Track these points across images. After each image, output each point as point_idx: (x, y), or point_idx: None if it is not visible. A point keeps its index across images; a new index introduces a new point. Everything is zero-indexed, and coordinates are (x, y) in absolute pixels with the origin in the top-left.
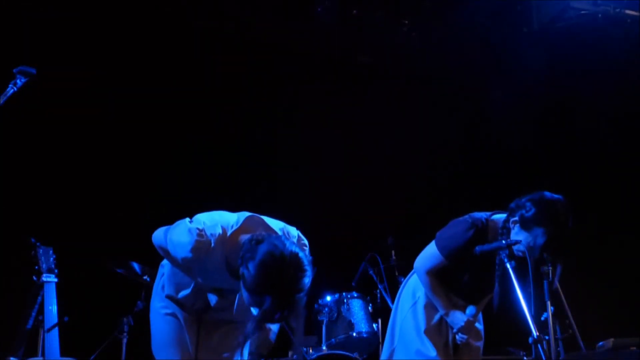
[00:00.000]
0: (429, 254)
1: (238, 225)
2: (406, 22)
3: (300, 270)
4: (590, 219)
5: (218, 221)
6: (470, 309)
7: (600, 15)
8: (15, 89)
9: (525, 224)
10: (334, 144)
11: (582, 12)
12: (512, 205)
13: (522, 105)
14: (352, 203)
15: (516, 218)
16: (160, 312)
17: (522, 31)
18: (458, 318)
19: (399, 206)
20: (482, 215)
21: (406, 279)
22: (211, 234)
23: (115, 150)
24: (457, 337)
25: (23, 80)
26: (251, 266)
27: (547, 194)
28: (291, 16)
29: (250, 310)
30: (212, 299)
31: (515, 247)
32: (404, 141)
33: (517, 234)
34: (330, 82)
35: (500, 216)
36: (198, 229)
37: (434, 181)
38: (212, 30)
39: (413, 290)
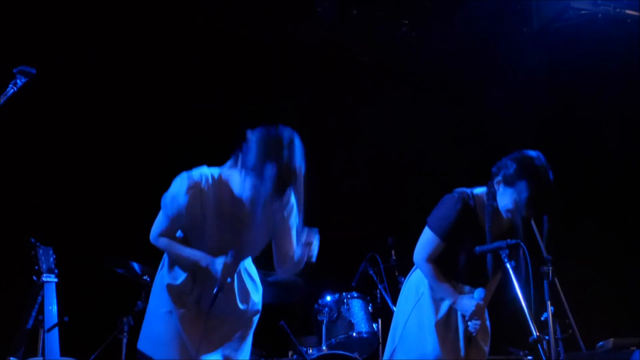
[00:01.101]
0: (425, 240)
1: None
2: (406, 22)
3: (295, 140)
4: (591, 219)
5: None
6: (479, 292)
7: (600, 15)
8: (15, 89)
9: (508, 181)
10: (333, 143)
11: (582, 12)
12: (494, 168)
13: (522, 105)
14: (352, 203)
15: (499, 178)
16: (158, 311)
17: (522, 31)
18: (467, 303)
19: (399, 206)
20: (465, 189)
21: (407, 277)
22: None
23: (115, 150)
24: (469, 325)
25: (23, 80)
26: (251, 144)
27: (525, 150)
28: (291, 16)
29: (249, 296)
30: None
31: (503, 209)
32: (404, 141)
33: (503, 194)
34: (330, 81)
35: (481, 189)
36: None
37: (435, 181)
38: (212, 30)
39: (416, 286)
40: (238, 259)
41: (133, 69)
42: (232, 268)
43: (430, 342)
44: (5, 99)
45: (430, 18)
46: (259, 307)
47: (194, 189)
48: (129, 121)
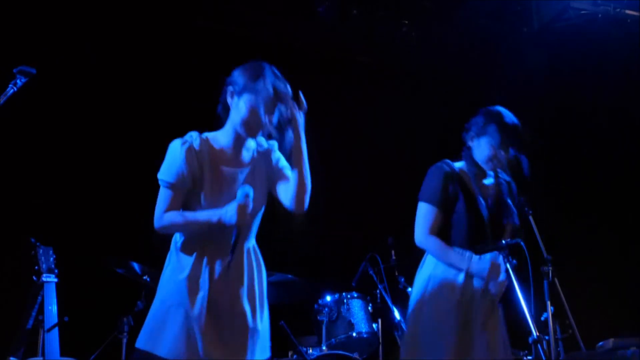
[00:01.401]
0: (421, 215)
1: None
2: (406, 22)
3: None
4: (591, 219)
5: None
6: (492, 255)
7: (600, 15)
8: (15, 89)
9: (480, 132)
10: (333, 143)
11: (582, 12)
12: (464, 133)
13: (522, 105)
14: (352, 203)
15: (472, 133)
16: (164, 307)
17: (522, 31)
18: (481, 265)
19: (399, 206)
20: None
21: (416, 274)
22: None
23: (115, 150)
24: (491, 286)
25: (23, 80)
26: (234, 78)
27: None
28: (292, 16)
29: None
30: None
31: (484, 160)
32: (404, 141)
33: (479, 145)
34: (330, 81)
35: (460, 162)
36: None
37: None
38: (212, 30)
39: (425, 278)
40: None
41: (133, 69)
42: (245, 208)
43: (445, 330)
44: (5, 99)
45: (430, 18)
46: (266, 296)
47: (188, 148)
48: (128, 121)
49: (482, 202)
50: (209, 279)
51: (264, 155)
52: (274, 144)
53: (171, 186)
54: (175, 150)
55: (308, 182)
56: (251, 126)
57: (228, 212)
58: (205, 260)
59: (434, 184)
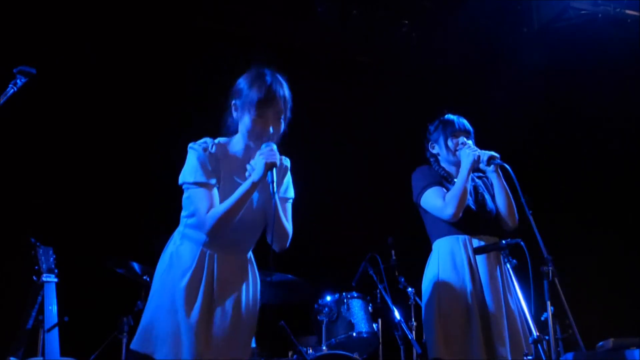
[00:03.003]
0: (431, 201)
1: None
2: (406, 22)
3: (277, 74)
4: (591, 219)
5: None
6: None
7: (600, 15)
8: (15, 89)
9: (435, 136)
10: (333, 143)
11: (582, 12)
12: (425, 147)
13: (522, 105)
14: (352, 203)
15: (430, 142)
16: (161, 308)
17: (522, 31)
18: (467, 152)
19: (399, 206)
20: None
21: (423, 275)
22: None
23: (115, 150)
24: (483, 156)
25: (23, 80)
26: (238, 84)
27: None
28: (292, 16)
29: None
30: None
31: (450, 161)
32: (404, 141)
33: (440, 147)
34: (330, 81)
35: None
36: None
37: None
38: (212, 30)
39: (431, 277)
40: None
41: (133, 69)
42: (272, 154)
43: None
44: (6, 99)
45: (430, 18)
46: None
47: (206, 150)
48: (129, 121)
49: (468, 197)
50: (205, 285)
51: (278, 171)
52: (288, 162)
53: (205, 184)
54: (199, 152)
55: (285, 230)
56: (258, 136)
57: (256, 170)
58: (206, 263)
59: (424, 176)
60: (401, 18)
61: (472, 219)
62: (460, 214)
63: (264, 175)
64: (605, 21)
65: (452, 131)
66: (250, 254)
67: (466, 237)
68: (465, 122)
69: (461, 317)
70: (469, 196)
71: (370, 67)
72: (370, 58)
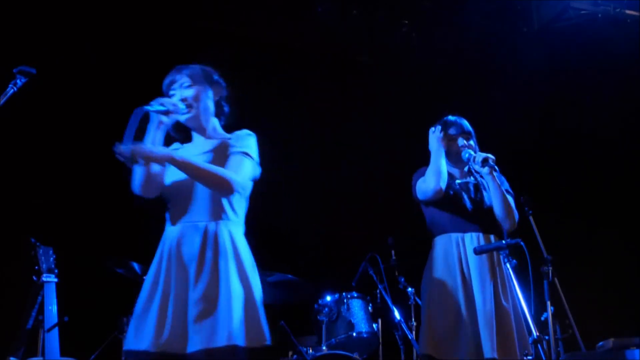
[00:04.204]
0: (420, 190)
1: None
2: (406, 22)
3: None
4: (591, 219)
5: None
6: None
7: (600, 15)
8: (15, 89)
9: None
10: (333, 143)
11: (582, 12)
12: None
13: (522, 105)
14: (352, 203)
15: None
16: (138, 302)
17: (522, 31)
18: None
19: (399, 206)
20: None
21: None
22: None
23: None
24: (478, 159)
25: (23, 80)
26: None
27: None
28: (291, 16)
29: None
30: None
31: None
32: (404, 140)
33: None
34: (330, 81)
35: None
36: None
37: None
38: (212, 30)
39: (426, 272)
40: None
41: (133, 69)
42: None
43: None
44: (6, 99)
45: (430, 18)
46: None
47: None
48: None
49: (464, 195)
50: (166, 267)
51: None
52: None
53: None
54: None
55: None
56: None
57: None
58: (165, 244)
59: (422, 173)
60: (401, 18)
61: (468, 217)
62: (442, 188)
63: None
64: (605, 21)
65: (452, 133)
66: (223, 227)
67: (459, 235)
68: (465, 123)
69: (450, 316)
70: (464, 194)
71: (370, 67)
72: (370, 58)
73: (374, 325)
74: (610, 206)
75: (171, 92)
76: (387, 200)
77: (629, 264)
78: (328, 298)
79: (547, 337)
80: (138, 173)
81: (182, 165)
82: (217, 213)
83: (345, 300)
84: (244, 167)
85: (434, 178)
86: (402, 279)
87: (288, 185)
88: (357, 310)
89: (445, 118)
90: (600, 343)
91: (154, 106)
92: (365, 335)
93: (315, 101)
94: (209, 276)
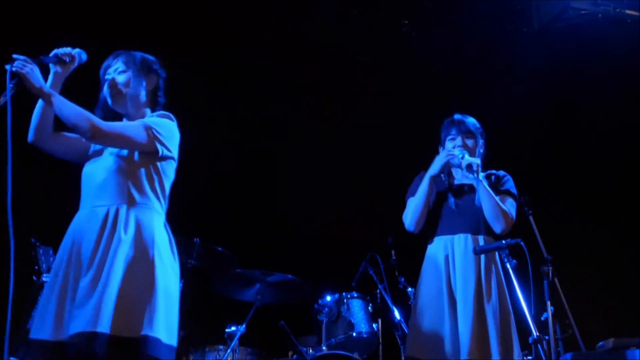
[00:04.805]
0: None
1: None
2: (406, 22)
3: None
4: (590, 219)
5: None
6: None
7: (600, 15)
8: (15, 89)
9: (441, 135)
10: (334, 143)
11: (582, 12)
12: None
13: (522, 105)
14: (352, 203)
15: (440, 143)
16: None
17: (522, 31)
18: (437, 158)
19: (399, 206)
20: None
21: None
22: None
23: None
24: (463, 164)
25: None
26: None
27: None
28: (291, 16)
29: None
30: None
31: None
32: (404, 140)
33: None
34: (330, 81)
35: None
36: None
37: None
38: (212, 30)
39: (420, 274)
40: None
41: None
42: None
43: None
44: (6, 99)
45: (430, 18)
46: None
47: None
48: None
49: (454, 198)
50: (67, 256)
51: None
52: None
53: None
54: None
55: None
56: None
57: None
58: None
59: (414, 184)
60: (401, 18)
61: (457, 219)
62: (415, 228)
63: None
64: (605, 21)
65: (451, 133)
66: (127, 208)
67: (449, 237)
68: (466, 122)
69: (433, 318)
70: (453, 198)
71: (370, 67)
72: (370, 58)
73: (374, 325)
74: (610, 206)
75: (106, 77)
76: (387, 200)
77: (628, 264)
78: (328, 298)
79: (547, 337)
80: (34, 114)
81: (47, 98)
82: (122, 197)
83: (345, 300)
84: (125, 126)
85: (408, 217)
86: (402, 279)
87: (288, 185)
88: (357, 310)
89: (450, 117)
90: (600, 343)
91: (49, 57)
92: (365, 335)
93: (315, 101)
94: (98, 263)
